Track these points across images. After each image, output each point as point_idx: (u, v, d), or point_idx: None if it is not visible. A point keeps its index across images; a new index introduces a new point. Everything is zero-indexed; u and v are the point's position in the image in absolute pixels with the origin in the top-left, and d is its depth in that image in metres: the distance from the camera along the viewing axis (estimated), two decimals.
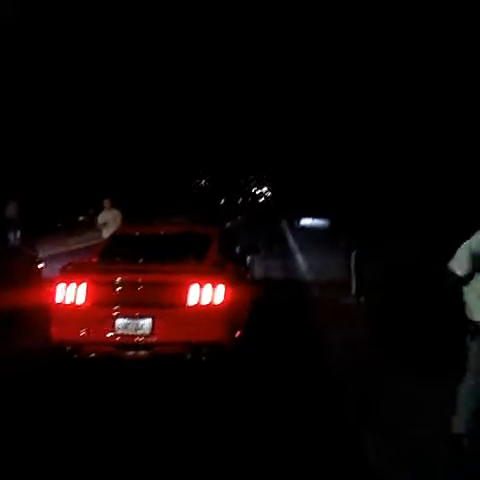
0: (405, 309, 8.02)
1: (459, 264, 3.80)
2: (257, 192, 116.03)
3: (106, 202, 11.81)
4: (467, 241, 3.84)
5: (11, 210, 18.05)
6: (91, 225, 24.50)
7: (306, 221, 29.81)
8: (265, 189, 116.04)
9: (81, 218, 30.82)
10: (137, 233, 7.21)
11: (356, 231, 9.78)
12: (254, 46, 39.75)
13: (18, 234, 16.84)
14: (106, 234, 11.22)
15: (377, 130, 23.90)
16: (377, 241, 11.11)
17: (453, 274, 3.83)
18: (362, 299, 9.44)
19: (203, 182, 68.22)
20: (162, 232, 7.11)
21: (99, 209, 12.49)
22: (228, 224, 31.86)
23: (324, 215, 28.01)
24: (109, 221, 11.44)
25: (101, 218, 11.74)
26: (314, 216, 29.46)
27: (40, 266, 10.24)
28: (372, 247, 10.21)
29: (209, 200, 61.79)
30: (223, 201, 75.91)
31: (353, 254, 9.68)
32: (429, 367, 5.63)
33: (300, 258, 15.48)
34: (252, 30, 37.39)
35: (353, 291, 9.64)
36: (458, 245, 3.89)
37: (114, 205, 11.88)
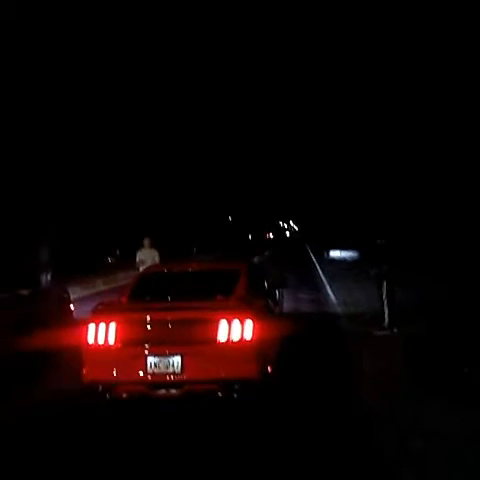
0: (440, 341, 7.78)
1: None
2: (284, 226, 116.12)
3: (146, 241, 11.92)
4: None
5: (43, 253, 18.49)
6: (119, 266, 24.88)
7: (335, 253, 29.62)
8: (291, 223, 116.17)
9: (109, 259, 31.28)
10: (165, 271, 7.24)
11: (387, 260, 9.64)
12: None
13: (49, 276, 17.16)
14: None
15: (407, 158, 23.86)
16: (409, 269, 10.92)
17: None
18: (395, 330, 9.24)
19: (230, 218, 68.69)
20: (190, 269, 7.14)
21: (129, 249, 12.65)
22: (256, 259, 31.87)
23: (353, 246, 27.82)
24: (147, 260, 11.51)
25: (139, 256, 11.83)
26: (343, 248, 29.28)
27: (71, 307, 10.35)
28: (404, 276, 10.06)
29: (237, 236, 62.12)
30: (251, 236, 76.19)
31: (384, 284, 9.53)
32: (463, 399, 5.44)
33: (330, 291, 15.31)
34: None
35: (386, 322, 9.44)
36: None
37: (153, 245, 11.99)
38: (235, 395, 5.36)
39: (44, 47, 20.43)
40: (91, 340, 5.49)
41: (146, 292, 6.30)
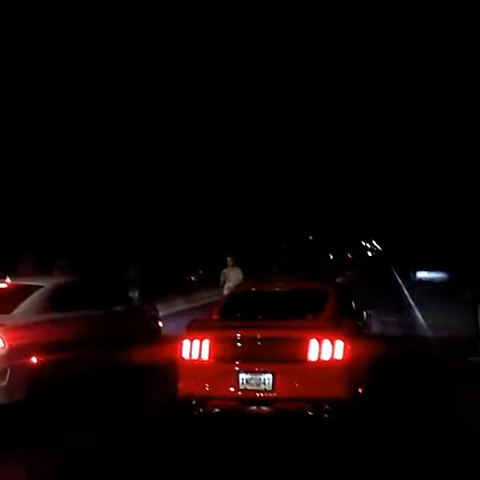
0: None
1: None
2: (366, 245, 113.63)
3: (229, 260, 12.26)
4: None
5: (132, 272, 19.32)
6: (201, 285, 25.35)
7: (423, 274, 28.58)
8: (374, 242, 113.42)
9: (192, 278, 32.02)
10: (255, 289, 7.41)
11: None
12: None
13: (136, 293, 17.86)
14: (227, 291, 11.68)
15: None
16: None
17: None
18: None
19: (311, 237, 68.21)
20: (279, 288, 7.25)
21: (212, 268, 13.07)
22: (339, 279, 31.41)
23: (442, 267, 26.78)
24: (231, 278, 11.83)
25: (224, 274, 12.18)
26: (431, 268, 28.22)
27: (160, 324, 10.72)
28: None
29: (318, 255, 61.56)
30: (332, 256, 75.21)
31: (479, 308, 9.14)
32: None
33: (419, 313, 14.81)
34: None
35: None
36: None
37: (236, 263, 12.30)
38: (325, 415, 5.37)
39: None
40: (186, 355, 5.71)
41: (237, 310, 6.46)
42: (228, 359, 5.62)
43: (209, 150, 31.21)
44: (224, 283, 12.08)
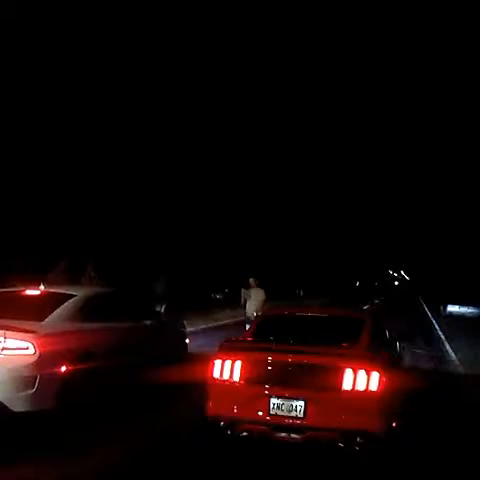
0: None
1: None
2: (394, 274, 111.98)
3: (252, 281, 12.21)
4: None
5: (160, 286, 19.32)
6: (226, 304, 25.20)
7: (453, 308, 27.97)
8: (402, 272, 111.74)
9: (218, 296, 31.96)
10: (289, 314, 7.28)
11: None
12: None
13: (163, 308, 17.75)
14: (249, 312, 11.66)
15: None
16: None
17: None
18: None
19: (338, 263, 67.43)
20: (313, 314, 7.13)
21: (239, 286, 13.05)
22: (365, 307, 30.91)
23: (473, 302, 26.19)
24: (252, 299, 11.81)
25: (245, 295, 12.16)
26: (462, 302, 27.62)
27: (187, 341, 10.64)
28: None
29: (344, 282, 60.85)
30: (358, 283, 74.19)
31: None
32: None
33: (450, 348, 14.42)
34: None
35: None
36: None
37: (259, 284, 12.24)
38: (356, 448, 5.19)
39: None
40: (217, 375, 5.61)
41: (271, 333, 6.33)
42: (260, 382, 5.49)
43: (237, 171, 31.38)
44: (245, 303, 12.10)
